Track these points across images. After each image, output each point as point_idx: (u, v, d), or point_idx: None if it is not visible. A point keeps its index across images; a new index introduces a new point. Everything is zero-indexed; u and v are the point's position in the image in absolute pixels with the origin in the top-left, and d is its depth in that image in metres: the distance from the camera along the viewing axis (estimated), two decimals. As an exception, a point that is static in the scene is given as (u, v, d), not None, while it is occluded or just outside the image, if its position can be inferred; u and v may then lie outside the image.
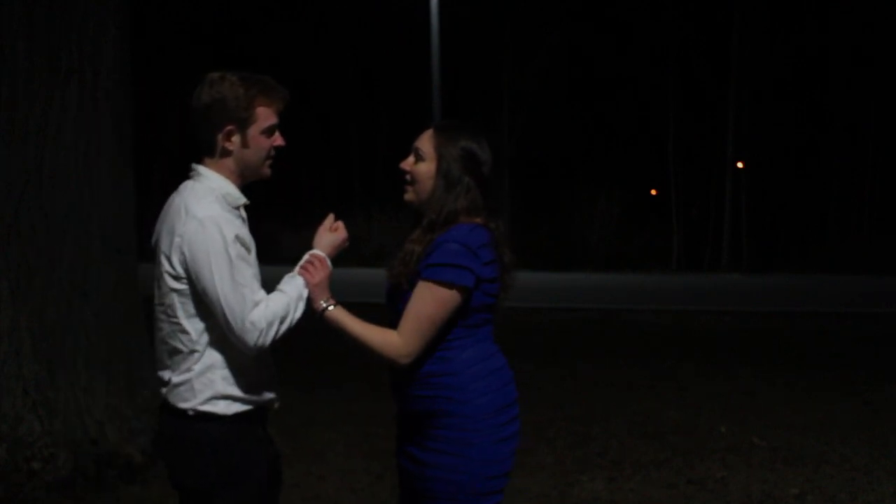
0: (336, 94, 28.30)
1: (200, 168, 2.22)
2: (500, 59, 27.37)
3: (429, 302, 2.17)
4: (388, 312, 2.32)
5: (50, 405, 4.25)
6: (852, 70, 28.09)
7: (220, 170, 2.21)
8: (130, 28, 4.84)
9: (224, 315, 2.09)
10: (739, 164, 29.03)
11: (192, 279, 2.12)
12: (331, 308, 2.22)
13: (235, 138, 2.18)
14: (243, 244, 2.15)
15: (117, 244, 4.62)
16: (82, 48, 4.41)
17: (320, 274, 2.24)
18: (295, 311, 2.17)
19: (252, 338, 2.09)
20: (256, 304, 2.12)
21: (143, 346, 4.87)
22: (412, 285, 2.21)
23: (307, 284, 2.23)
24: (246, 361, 2.19)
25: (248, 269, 2.14)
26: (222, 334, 2.14)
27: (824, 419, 5.85)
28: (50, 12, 4.31)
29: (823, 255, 24.67)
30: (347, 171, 30.62)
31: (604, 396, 6.44)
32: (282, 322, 2.13)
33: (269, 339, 2.12)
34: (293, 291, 2.20)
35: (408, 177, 2.32)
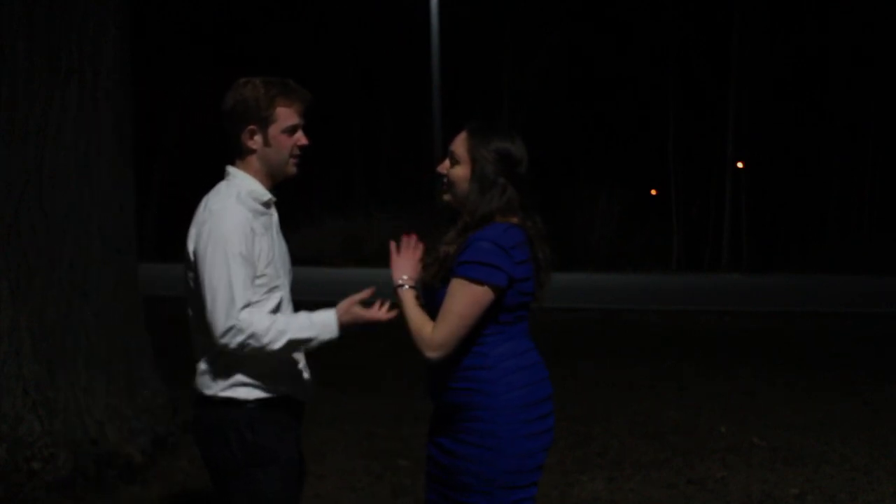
0: (336, 93, 28.28)
1: (231, 169, 2.36)
2: (500, 59, 27.38)
3: (460, 299, 2.21)
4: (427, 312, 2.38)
5: (50, 405, 4.25)
6: (852, 70, 28.09)
7: (247, 169, 2.35)
8: (130, 28, 4.84)
9: (206, 302, 2.18)
10: (739, 164, 29.02)
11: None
12: (403, 288, 2.31)
13: (257, 137, 2.31)
14: (248, 244, 2.22)
15: (117, 244, 4.62)
16: (82, 48, 4.41)
17: (406, 255, 2.35)
18: (275, 342, 2.22)
19: (223, 328, 2.16)
20: (248, 304, 2.19)
21: (143, 346, 4.88)
22: (444, 283, 2.26)
23: (320, 333, 2.28)
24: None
25: (245, 269, 2.20)
26: None
27: (824, 419, 5.85)
28: (50, 12, 4.31)
29: (823, 255, 24.63)
30: (348, 170, 30.60)
31: (604, 396, 6.44)
32: (259, 338, 2.19)
33: (235, 342, 2.17)
34: (294, 330, 2.24)
35: (445, 180, 2.37)
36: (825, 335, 10.02)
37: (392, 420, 5.52)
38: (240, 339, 2.17)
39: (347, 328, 2.32)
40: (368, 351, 7.58)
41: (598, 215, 24.69)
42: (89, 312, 4.43)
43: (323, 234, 20.63)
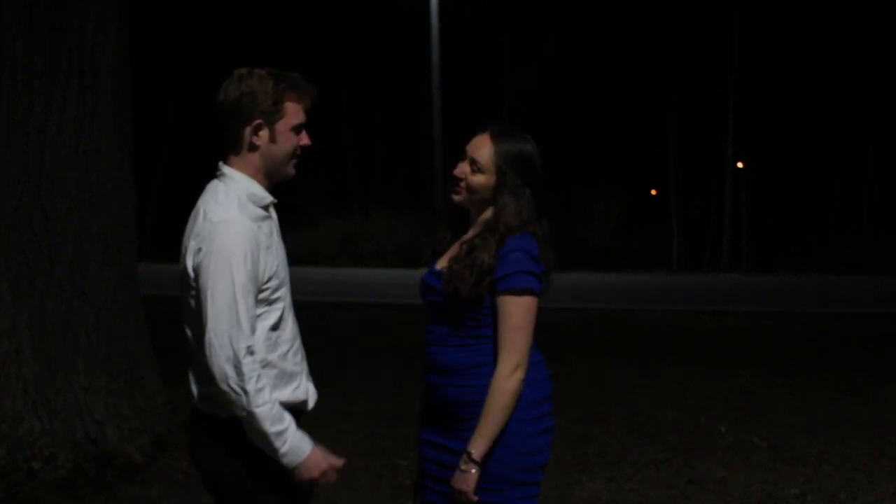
0: (335, 92, 28.31)
1: (226, 168, 2.16)
2: (500, 59, 27.39)
3: (522, 312, 2.21)
4: (426, 309, 2.37)
5: (50, 405, 4.25)
6: (852, 70, 28.09)
7: (245, 168, 2.15)
8: (130, 28, 4.84)
9: (207, 326, 2.01)
10: (739, 164, 29.02)
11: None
12: (476, 456, 2.21)
13: (263, 133, 2.13)
14: (255, 260, 2.06)
15: (117, 244, 4.63)
16: (82, 48, 4.42)
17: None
18: (258, 399, 2.03)
19: (220, 361, 2.00)
20: (249, 349, 2.03)
21: (143, 346, 4.88)
22: (475, 296, 2.21)
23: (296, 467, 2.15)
24: (275, 362, 2.16)
25: (251, 296, 2.05)
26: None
27: (824, 419, 5.85)
28: (50, 12, 4.31)
29: (823, 255, 24.62)
30: (344, 169, 30.60)
31: (604, 396, 6.44)
32: (252, 383, 2.01)
33: (229, 384, 2.01)
34: (280, 411, 2.08)
35: (462, 183, 2.32)
36: (825, 335, 10.01)
37: (391, 420, 5.52)
38: (243, 395, 2.00)
39: (311, 460, 2.17)
40: (368, 350, 7.57)
41: (597, 215, 24.70)
42: (89, 312, 4.43)
43: (319, 234, 20.63)
